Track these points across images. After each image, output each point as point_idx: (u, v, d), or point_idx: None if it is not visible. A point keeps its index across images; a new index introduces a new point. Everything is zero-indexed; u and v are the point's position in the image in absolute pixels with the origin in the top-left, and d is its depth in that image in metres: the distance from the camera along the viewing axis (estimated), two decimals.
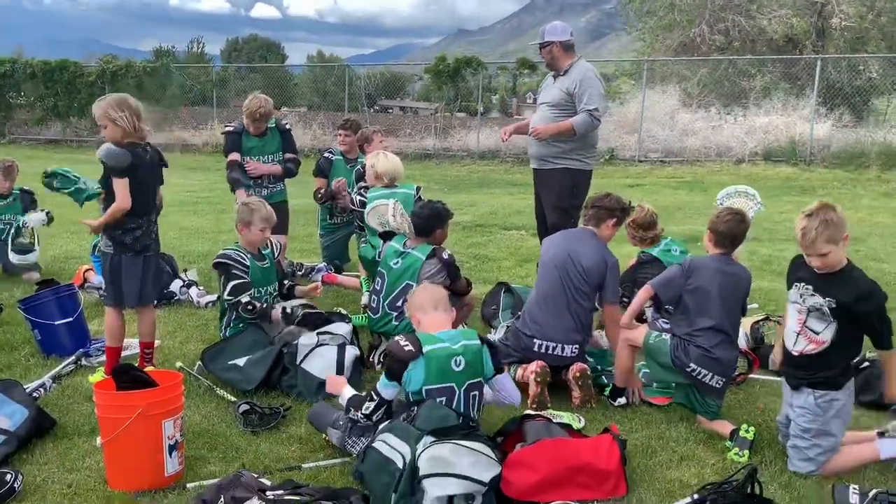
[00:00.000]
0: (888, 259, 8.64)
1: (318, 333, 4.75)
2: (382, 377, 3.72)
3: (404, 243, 5.23)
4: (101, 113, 4.28)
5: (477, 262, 8.46)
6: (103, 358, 4.92)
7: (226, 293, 4.98)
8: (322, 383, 4.44)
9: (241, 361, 4.66)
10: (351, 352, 4.68)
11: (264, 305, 5.01)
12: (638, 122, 18.75)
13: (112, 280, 4.53)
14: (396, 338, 3.72)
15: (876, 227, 10.93)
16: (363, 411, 3.69)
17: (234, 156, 6.60)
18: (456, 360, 3.63)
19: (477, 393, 3.72)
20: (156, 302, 6.26)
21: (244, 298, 4.93)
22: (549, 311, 4.65)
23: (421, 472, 3.12)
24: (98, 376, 4.57)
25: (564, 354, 4.60)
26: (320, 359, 4.60)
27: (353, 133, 7.33)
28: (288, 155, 6.84)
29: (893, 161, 15.58)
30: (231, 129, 6.73)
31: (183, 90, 25.70)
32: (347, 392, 3.93)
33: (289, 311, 5.01)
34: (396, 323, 5.03)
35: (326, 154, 7.45)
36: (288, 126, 6.98)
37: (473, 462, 3.18)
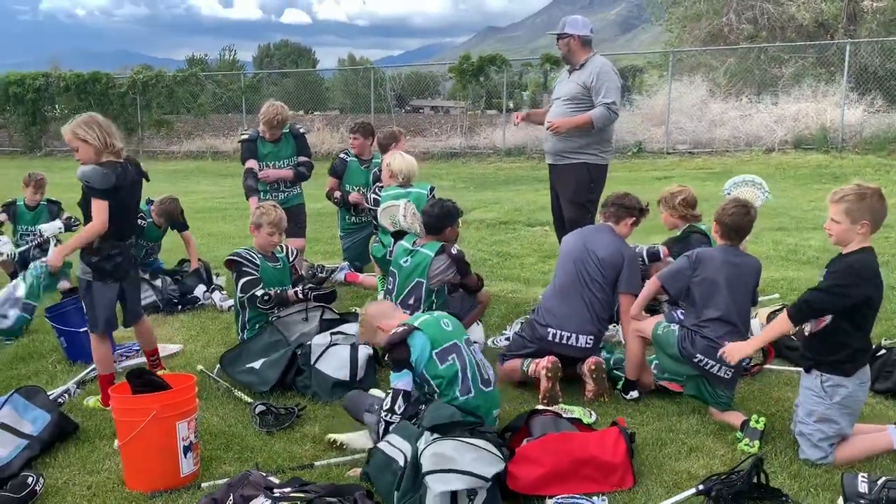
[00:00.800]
0: None
1: (332, 333, 4.83)
2: (391, 374, 3.85)
3: (414, 242, 5.29)
4: (70, 136, 4.16)
5: (500, 259, 8.48)
6: (127, 363, 5.06)
7: (238, 290, 5.09)
8: (336, 383, 4.51)
9: (257, 364, 4.75)
10: (364, 351, 4.74)
11: (279, 291, 5.10)
12: (665, 113, 18.59)
13: (90, 307, 4.37)
14: (387, 334, 3.95)
15: None
16: (384, 408, 3.76)
17: (251, 163, 6.78)
18: (444, 322, 4.02)
19: (475, 343, 4.13)
20: (179, 307, 6.44)
21: (258, 292, 5.03)
22: (565, 301, 4.70)
23: (424, 469, 3.16)
24: (94, 402, 4.51)
25: (578, 345, 4.61)
26: (334, 357, 4.68)
27: (362, 136, 7.39)
28: (301, 158, 7.00)
29: None
30: (246, 136, 6.93)
31: (214, 98, 26.08)
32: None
33: (300, 294, 5.12)
34: None
35: (342, 156, 7.53)
36: (302, 130, 7.14)
37: (476, 458, 3.22)
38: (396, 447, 3.42)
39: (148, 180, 4.49)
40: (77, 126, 4.15)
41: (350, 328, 4.94)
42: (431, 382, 3.84)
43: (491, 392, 3.98)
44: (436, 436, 3.31)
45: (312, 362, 4.67)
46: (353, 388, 4.51)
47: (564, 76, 6.33)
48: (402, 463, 3.31)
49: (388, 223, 5.82)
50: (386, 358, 5.10)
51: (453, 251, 5.15)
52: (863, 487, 3.21)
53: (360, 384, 4.63)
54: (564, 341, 4.63)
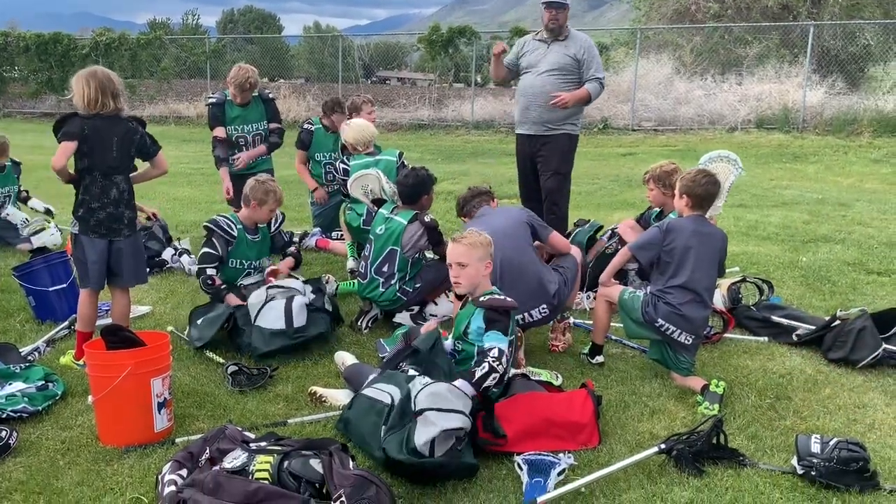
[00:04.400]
0: (872, 224, 8.75)
1: (268, 288, 4.90)
2: (499, 335, 3.69)
3: (392, 209, 5.35)
4: (73, 81, 4.23)
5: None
6: (100, 322, 5.05)
7: (198, 257, 5.13)
8: (273, 333, 4.61)
9: (199, 321, 4.86)
10: (299, 300, 4.79)
11: (222, 287, 5.08)
12: (631, 91, 18.75)
13: (78, 261, 4.39)
14: (494, 296, 3.86)
15: (864, 193, 11.03)
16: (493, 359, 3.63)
17: (219, 131, 6.70)
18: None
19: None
20: (148, 270, 6.39)
21: (209, 270, 5.06)
22: (514, 283, 4.50)
23: (421, 406, 3.29)
24: (67, 358, 4.53)
25: (534, 318, 4.65)
26: (270, 311, 4.74)
27: (329, 113, 7.43)
28: (272, 125, 6.93)
29: (885, 128, 15.63)
30: (214, 100, 6.82)
31: (177, 62, 25.62)
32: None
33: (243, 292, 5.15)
34: (383, 289, 5.15)
35: (307, 125, 7.50)
36: (271, 95, 7.03)
37: (464, 403, 3.38)
38: (382, 390, 3.54)
39: (154, 143, 4.47)
40: (79, 76, 4.19)
41: (288, 283, 5.01)
42: (474, 351, 3.81)
43: None
44: (429, 380, 3.49)
45: (253, 321, 4.72)
46: (292, 336, 4.63)
47: (540, 47, 6.32)
48: (388, 402, 3.44)
49: (359, 193, 5.86)
50: (363, 323, 5.18)
51: (426, 219, 5.21)
52: (815, 448, 3.37)
53: (298, 332, 4.68)
54: (523, 321, 4.60)
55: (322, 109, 7.56)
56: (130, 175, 4.43)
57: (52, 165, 4.10)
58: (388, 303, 5.19)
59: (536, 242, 4.84)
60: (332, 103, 7.45)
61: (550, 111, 6.17)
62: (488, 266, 3.97)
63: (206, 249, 5.10)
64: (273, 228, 5.43)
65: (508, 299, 3.86)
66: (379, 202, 5.56)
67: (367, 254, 5.36)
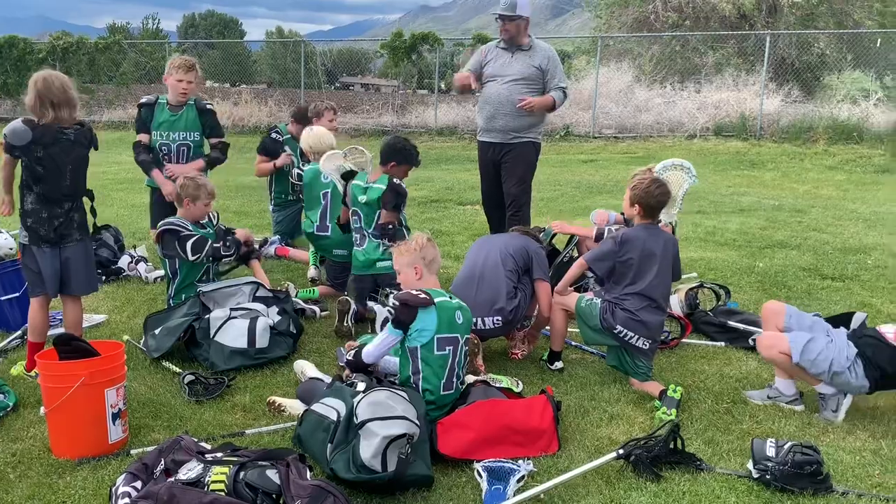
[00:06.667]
0: (827, 230, 8.92)
1: (232, 309, 4.86)
2: (389, 326, 3.82)
3: (366, 180, 5.47)
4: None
5: (431, 236, 8.55)
6: (52, 332, 4.95)
7: (189, 255, 5.05)
8: (234, 351, 4.59)
9: (157, 330, 4.79)
10: (263, 322, 4.77)
11: (229, 239, 5.22)
12: (593, 98, 18.92)
13: (28, 269, 4.28)
14: (406, 290, 3.91)
15: (819, 200, 11.24)
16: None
17: (142, 136, 6.03)
18: (457, 315, 3.90)
19: (467, 348, 4.01)
20: (103, 278, 6.29)
21: (217, 244, 5.12)
22: (471, 289, 4.65)
23: (363, 418, 3.27)
24: (19, 369, 4.44)
25: (486, 327, 4.65)
26: (232, 328, 4.71)
27: (296, 122, 7.36)
28: (214, 140, 6.18)
29: (840, 135, 15.94)
30: (144, 100, 6.09)
31: (137, 67, 25.29)
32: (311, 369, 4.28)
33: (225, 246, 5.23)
34: (382, 250, 5.33)
35: (274, 134, 7.41)
36: (209, 106, 6.17)
37: (405, 408, 3.37)
38: (330, 406, 3.50)
39: (96, 149, 4.35)
40: (32, 79, 4.11)
41: (252, 305, 4.96)
42: (418, 362, 3.78)
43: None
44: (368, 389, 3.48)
45: (212, 335, 4.67)
46: (253, 357, 4.62)
47: (504, 56, 6.33)
48: (334, 418, 3.41)
49: (332, 168, 5.95)
50: (349, 322, 5.16)
51: (395, 181, 5.32)
52: (770, 451, 3.42)
53: (260, 353, 4.66)
54: (477, 327, 4.61)
55: (293, 118, 7.45)
56: None
57: None
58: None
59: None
60: (301, 114, 7.36)
61: (516, 120, 6.21)
62: (417, 270, 4.03)
63: (191, 241, 5.04)
64: (215, 223, 5.42)
65: (422, 295, 3.82)
66: (349, 176, 5.64)
67: (359, 224, 5.47)
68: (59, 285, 4.31)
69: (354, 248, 5.52)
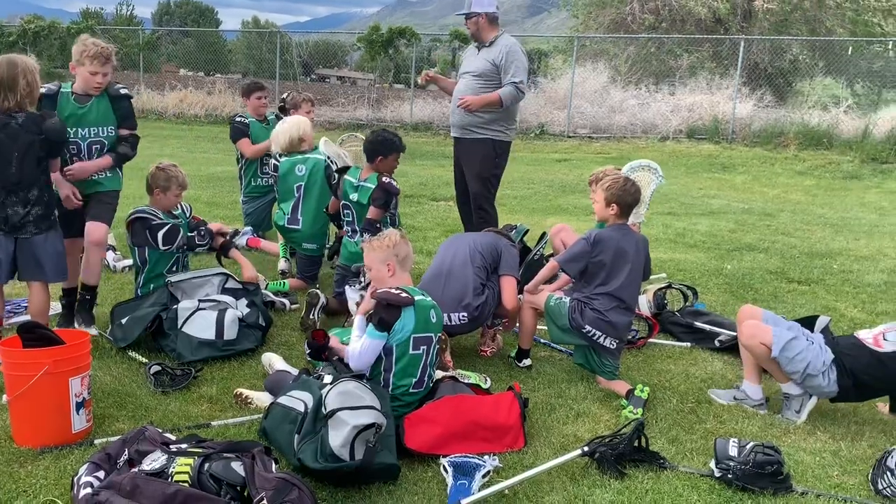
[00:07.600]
0: (795, 234, 9.06)
1: (200, 300, 4.83)
2: (370, 329, 3.74)
3: (358, 176, 5.52)
4: None
5: (405, 231, 8.55)
6: (15, 320, 4.89)
7: (161, 244, 4.98)
8: (201, 342, 4.56)
9: (124, 320, 4.75)
10: (232, 314, 4.75)
11: (203, 229, 5.19)
12: (568, 98, 19.01)
13: None
14: (386, 289, 3.84)
15: (788, 204, 11.40)
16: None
17: None
18: (431, 314, 3.91)
19: (438, 347, 4.02)
20: None
21: (191, 234, 5.09)
22: (439, 285, 4.65)
23: (332, 407, 3.27)
24: None
25: (453, 323, 4.62)
26: (200, 320, 4.67)
27: (242, 96, 7.49)
28: (124, 131, 4.99)
29: (810, 141, 16.18)
30: (44, 90, 4.67)
31: None
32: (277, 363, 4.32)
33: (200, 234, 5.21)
34: None
35: (239, 118, 7.38)
36: (123, 91, 5.02)
37: (373, 399, 3.40)
38: (297, 398, 3.49)
39: (55, 139, 4.20)
40: None
41: (221, 297, 4.93)
42: (392, 359, 3.75)
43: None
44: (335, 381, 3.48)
45: (179, 326, 4.64)
46: (221, 348, 4.60)
47: (473, 51, 6.43)
48: (301, 409, 3.40)
49: (332, 151, 6.14)
50: (315, 315, 5.15)
51: (384, 179, 5.36)
52: (733, 451, 3.47)
53: (228, 345, 4.65)
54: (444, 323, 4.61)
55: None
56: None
57: None
58: None
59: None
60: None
61: (468, 115, 6.19)
62: (390, 266, 4.01)
63: (163, 231, 4.97)
64: (188, 216, 5.37)
65: (403, 294, 3.80)
66: (343, 170, 5.72)
67: (350, 219, 5.56)
68: (25, 272, 4.23)
69: (345, 238, 5.64)
